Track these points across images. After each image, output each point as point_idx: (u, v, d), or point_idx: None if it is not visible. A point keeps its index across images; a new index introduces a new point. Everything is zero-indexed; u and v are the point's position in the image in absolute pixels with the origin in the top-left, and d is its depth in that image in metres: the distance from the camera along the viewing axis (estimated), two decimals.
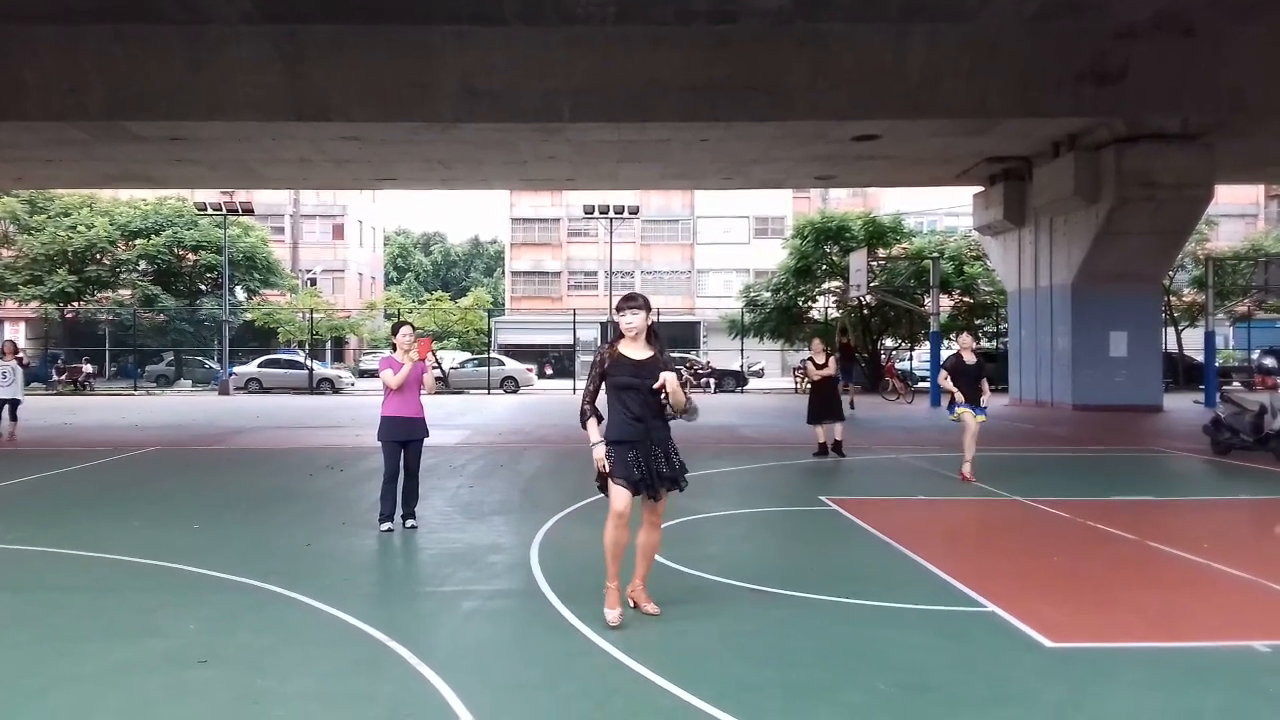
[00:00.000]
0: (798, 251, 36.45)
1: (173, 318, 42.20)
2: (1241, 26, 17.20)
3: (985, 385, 11.27)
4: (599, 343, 47.23)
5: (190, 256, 43.46)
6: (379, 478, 8.48)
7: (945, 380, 11.29)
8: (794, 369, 38.70)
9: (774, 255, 44.96)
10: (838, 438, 13.48)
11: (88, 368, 37.54)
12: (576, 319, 39.32)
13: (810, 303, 37.51)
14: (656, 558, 6.88)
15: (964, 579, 6.38)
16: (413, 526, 8.27)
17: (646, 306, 5.54)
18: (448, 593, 6.23)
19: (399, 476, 8.23)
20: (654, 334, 5.57)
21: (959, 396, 11.10)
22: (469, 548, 7.57)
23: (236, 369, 36.77)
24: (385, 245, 76.51)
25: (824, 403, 13.58)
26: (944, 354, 35.55)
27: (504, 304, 62.54)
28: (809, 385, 14.53)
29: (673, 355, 5.66)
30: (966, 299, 36.56)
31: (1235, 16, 16.98)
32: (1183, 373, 34.25)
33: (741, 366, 38.87)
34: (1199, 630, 5.43)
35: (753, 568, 6.77)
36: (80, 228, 40.98)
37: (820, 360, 13.66)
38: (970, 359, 11.25)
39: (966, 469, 11.13)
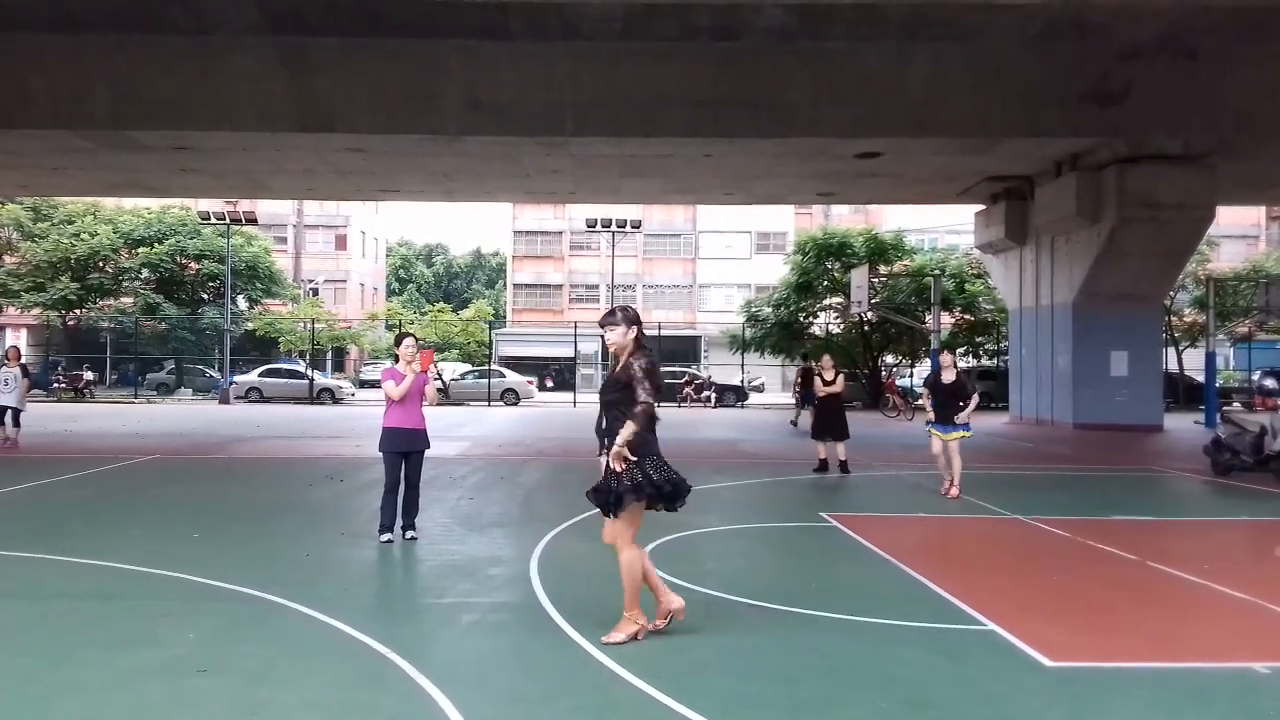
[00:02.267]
0: (799, 267, 36.51)
1: (174, 326, 42.23)
2: (1245, 49, 17.26)
3: (970, 401, 11.44)
4: (599, 356, 47.32)
5: (193, 265, 43.53)
6: (379, 488, 8.48)
7: (925, 399, 11.77)
8: (793, 384, 38.71)
9: (775, 271, 45.02)
10: (841, 457, 13.46)
11: (89, 375, 37.57)
12: (578, 332, 39.38)
13: (811, 318, 37.54)
14: (657, 571, 6.87)
15: (964, 597, 6.37)
16: (412, 538, 8.26)
17: (626, 321, 5.39)
18: (447, 605, 6.23)
19: (399, 488, 8.22)
20: (640, 344, 5.39)
21: (930, 415, 11.59)
22: (469, 560, 7.56)
23: (237, 378, 36.76)
24: (387, 256, 76.60)
25: (829, 419, 13.56)
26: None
27: (505, 316, 62.60)
28: (814, 401, 14.56)
29: (640, 367, 5.41)
30: (967, 317, 36.61)
31: (1239, 39, 17.05)
32: (1183, 393, 34.26)
33: (742, 381, 38.87)
34: (1199, 651, 5.43)
35: (753, 583, 6.76)
36: (83, 235, 41.05)
37: (829, 376, 13.65)
38: (949, 377, 11.49)
39: (948, 487, 11.32)
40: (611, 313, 5.47)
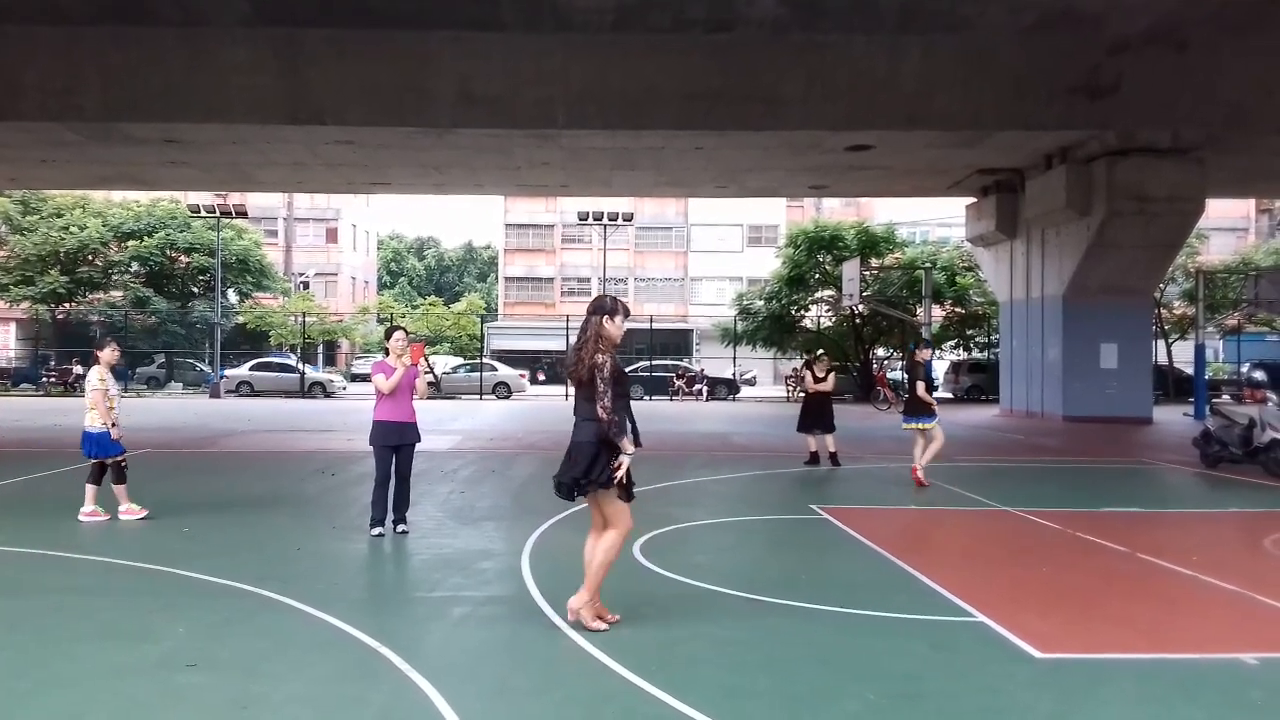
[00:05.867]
0: (791, 260, 36.54)
1: (164, 320, 42.07)
2: (1235, 42, 17.31)
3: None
4: None
5: (183, 259, 43.38)
6: (370, 482, 8.45)
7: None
8: (785, 378, 38.75)
9: (767, 264, 45.05)
10: (831, 449, 13.51)
11: (78, 369, 37.37)
12: (569, 325, 39.31)
13: (803, 311, 37.58)
14: (646, 562, 6.89)
15: (954, 589, 6.39)
16: (404, 531, 8.25)
17: (592, 310, 5.43)
18: (438, 598, 6.22)
19: (390, 481, 8.21)
20: (600, 337, 5.37)
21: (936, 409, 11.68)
22: (460, 553, 7.56)
23: (228, 372, 36.67)
24: (379, 249, 76.44)
25: (815, 412, 13.64)
26: (939, 365, 35.79)
27: (497, 309, 62.51)
28: (802, 394, 14.70)
29: (601, 379, 5.26)
30: (958, 309, 36.68)
31: (1229, 32, 17.08)
32: (1173, 385, 34.41)
33: (734, 374, 38.90)
34: (1188, 642, 5.45)
35: (744, 576, 6.77)
36: (73, 229, 40.88)
37: (821, 374, 13.74)
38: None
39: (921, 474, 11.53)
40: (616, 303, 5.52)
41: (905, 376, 12.05)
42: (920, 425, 11.48)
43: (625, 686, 4.56)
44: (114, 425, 8.70)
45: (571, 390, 5.47)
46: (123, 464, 8.88)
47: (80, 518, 8.68)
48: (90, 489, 8.81)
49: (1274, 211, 57.49)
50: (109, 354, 8.81)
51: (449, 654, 5.11)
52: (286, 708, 4.29)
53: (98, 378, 8.69)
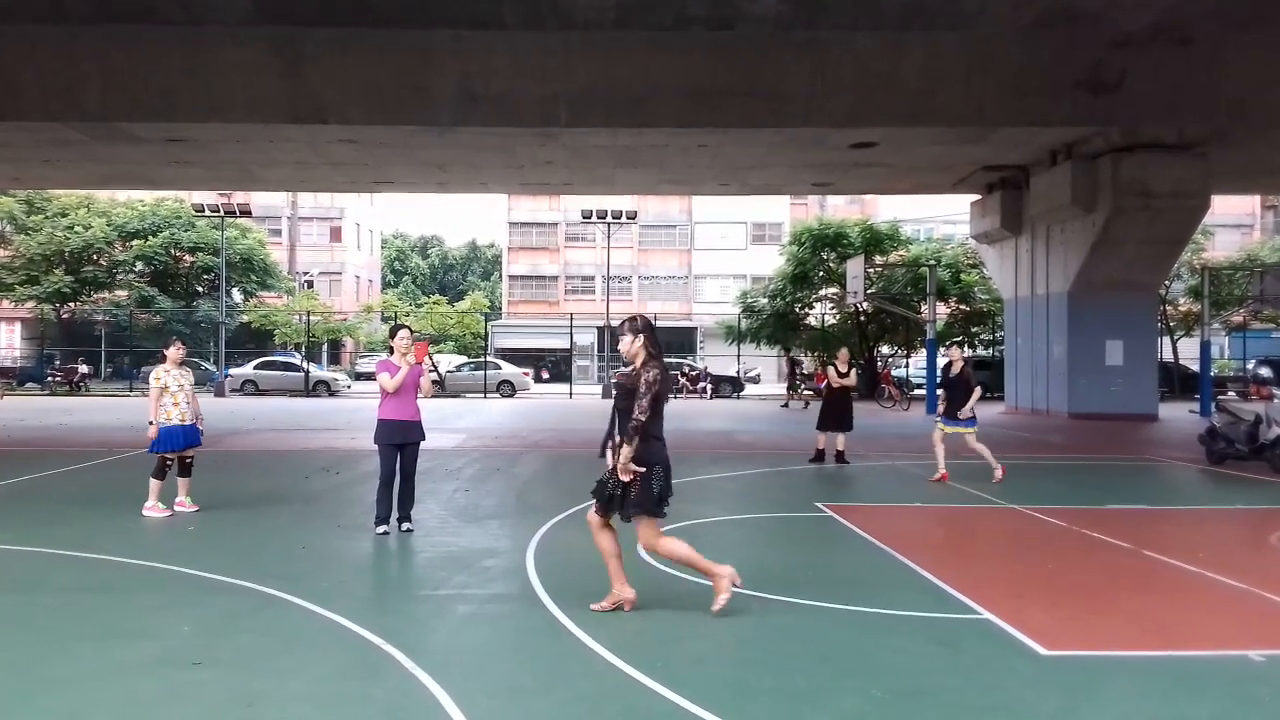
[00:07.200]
0: (795, 258, 36.48)
1: (169, 319, 42.11)
2: (1239, 37, 17.25)
3: (972, 396, 11.84)
4: (595, 347, 47.26)
5: (187, 258, 43.44)
6: (375, 480, 8.46)
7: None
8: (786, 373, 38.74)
9: (771, 261, 45.00)
10: (840, 447, 13.51)
11: (83, 368, 37.48)
12: (574, 324, 39.35)
13: (807, 309, 37.54)
14: (652, 560, 6.91)
15: (959, 586, 6.38)
16: (408, 530, 8.25)
17: (632, 330, 5.75)
18: (443, 596, 6.22)
19: (395, 479, 8.22)
20: (650, 354, 5.78)
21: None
22: (464, 551, 7.56)
23: (232, 371, 36.72)
24: (382, 248, 76.48)
25: (839, 412, 13.63)
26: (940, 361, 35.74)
27: (501, 308, 62.51)
28: (805, 390, 14.74)
29: (646, 380, 5.35)
30: (963, 307, 36.61)
31: (1234, 27, 17.03)
32: (1178, 382, 34.32)
33: (738, 372, 38.88)
34: (1193, 639, 5.44)
35: (749, 573, 6.73)
36: (77, 228, 40.96)
37: (843, 369, 13.76)
38: (954, 370, 11.98)
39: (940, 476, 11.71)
40: (622, 323, 5.84)
41: (942, 379, 12.20)
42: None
43: (630, 683, 4.55)
44: (152, 424, 8.94)
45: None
46: (187, 460, 9.27)
47: (143, 512, 8.94)
48: (154, 484, 9.04)
49: (1279, 208, 57.34)
50: (173, 352, 9.20)
51: (453, 651, 5.11)
52: (290, 705, 4.29)
53: (153, 376, 9.15)
